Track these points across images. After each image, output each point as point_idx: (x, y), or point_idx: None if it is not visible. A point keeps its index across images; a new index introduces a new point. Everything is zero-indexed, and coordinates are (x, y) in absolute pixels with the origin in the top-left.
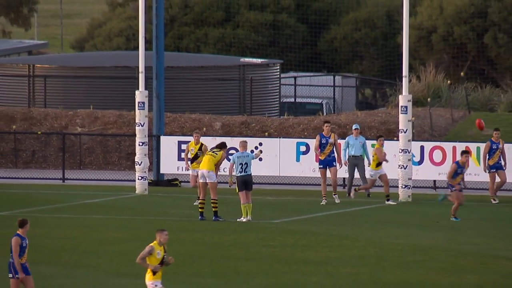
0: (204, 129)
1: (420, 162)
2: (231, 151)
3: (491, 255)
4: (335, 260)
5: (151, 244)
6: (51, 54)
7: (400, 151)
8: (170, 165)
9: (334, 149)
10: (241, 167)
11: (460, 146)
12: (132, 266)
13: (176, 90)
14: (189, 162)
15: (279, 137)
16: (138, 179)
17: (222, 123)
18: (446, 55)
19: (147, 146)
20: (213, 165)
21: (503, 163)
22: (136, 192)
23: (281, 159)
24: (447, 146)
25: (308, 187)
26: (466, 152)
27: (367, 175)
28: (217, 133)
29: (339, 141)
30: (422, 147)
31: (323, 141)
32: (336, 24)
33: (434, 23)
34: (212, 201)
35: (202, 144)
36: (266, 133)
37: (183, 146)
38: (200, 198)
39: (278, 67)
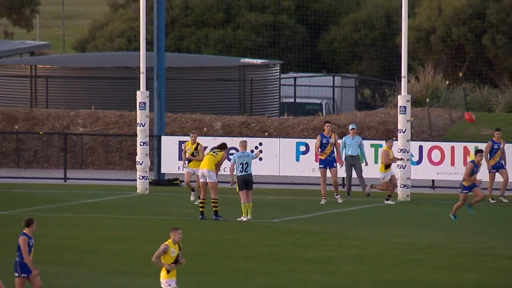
0: (205, 129)
1: (419, 162)
2: (232, 151)
3: (489, 254)
4: (334, 259)
5: (166, 243)
6: (53, 55)
7: (399, 151)
8: (171, 164)
9: (334, 149)
10: (242, 167)
11: (459, 146)
12: (134, 264)
13: (177, 90)
14: (186, 162)
15: (279, 137)
16: (139, 179)
17: (223, 123)
18: (444, 56)
19: (148, 146)
20: (213, 165)
21: (503, 163)
22: (137, 191)
23: (281, 159)
24: (446, 146)
25: (308, 187)
26: (481, 151)
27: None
28: (217, 133)
29: (338, 141)
30: (420, 147)
31: (324, 141)
32: (336, 25)
33: (433, 24)
34: (212, 200)
35: (198, 144)
36: (266, 133)
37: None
38: (200, 197)
39: (278, 68)
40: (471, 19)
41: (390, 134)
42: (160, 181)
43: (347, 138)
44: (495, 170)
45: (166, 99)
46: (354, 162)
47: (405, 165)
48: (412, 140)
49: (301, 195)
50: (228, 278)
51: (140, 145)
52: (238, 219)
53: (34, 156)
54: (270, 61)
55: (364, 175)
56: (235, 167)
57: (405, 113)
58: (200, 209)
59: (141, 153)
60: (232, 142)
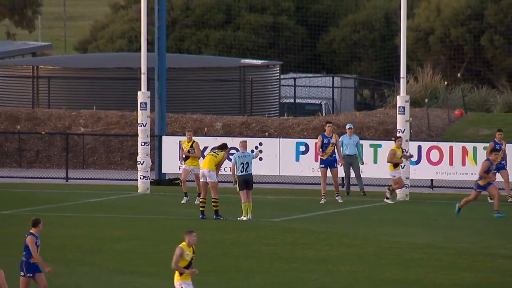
0: (205, 129)
1: (418, 161)
2: (232, 151)
3: (488, 253)
4: (334, 258)
5: (181, 246)
6: (55, 56)
7: None
8: (171, 164)
9: (335, 149)
10: (242, 167)
11: (457, 146)
12: (135, 264)
13: (178, 91)
14: (183, 159)
15: (279, 137)
16: (140, 179)
17: (223, 123)
18: (443, 57)
19: (149, 146)
20: (214, 165)
21: (505, 164)
22: (138, 191)
23: (281, 159)
24: (444, 146)
25: (308, 187)
26: (496, 150)
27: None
28: (218, 133)
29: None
30: (419, 147)
31: (325, 141)
32: (335, 26)
33: (432, 25)
34: (212, 200)
35: (193, 141)
36: (266, 133)
37: None
38: (201, 197)
39: (278, 68)
40: (469, 20)
41: (389, 134)
42: (161, 181)
43: (344, 137)
44: (496, 171)
45: (167, 100)
46: (352, 161)
47: (404, 165)
48: (411, 140)
49: (301, 195)
50: (228, 277)
51: (141, 145)
52: (238, 218)
53: (36, 156)
54: (270, 62)
55: (363, 175)
56: (236, 166)
57: (404, 114)
58: (201, 208)
59: (142, 153)
60: (233, 142)
